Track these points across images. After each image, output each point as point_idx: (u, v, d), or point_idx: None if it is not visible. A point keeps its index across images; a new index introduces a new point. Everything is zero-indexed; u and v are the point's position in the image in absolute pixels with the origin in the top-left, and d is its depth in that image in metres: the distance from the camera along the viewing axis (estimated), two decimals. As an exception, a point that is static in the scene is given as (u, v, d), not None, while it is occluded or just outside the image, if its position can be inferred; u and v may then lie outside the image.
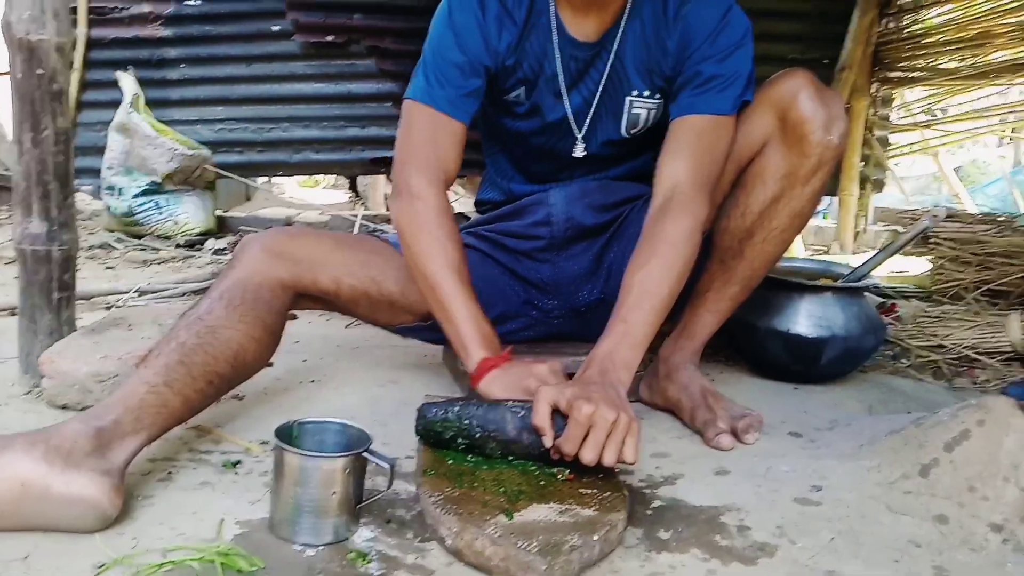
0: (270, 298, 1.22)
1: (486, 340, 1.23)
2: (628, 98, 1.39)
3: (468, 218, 1.79)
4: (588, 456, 1.00)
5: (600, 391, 1.04)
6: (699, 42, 1.31)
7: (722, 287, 1.42)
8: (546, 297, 1.52)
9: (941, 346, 1.89)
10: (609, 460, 1.00)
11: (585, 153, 1.44)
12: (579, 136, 1.44)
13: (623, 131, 1.42)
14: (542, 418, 1.03)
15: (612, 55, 1.35)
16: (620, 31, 1.34)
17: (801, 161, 1.32)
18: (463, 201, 4.40)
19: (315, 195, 7.20)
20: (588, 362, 1.13)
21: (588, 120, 1.42)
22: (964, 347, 1.87)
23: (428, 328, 1.47)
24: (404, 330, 1.49)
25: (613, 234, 1.50)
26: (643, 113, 1.40)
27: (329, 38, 3.47)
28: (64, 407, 1.32)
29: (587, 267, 1.50)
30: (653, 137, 1.42)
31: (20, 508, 0.89)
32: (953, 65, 3.49)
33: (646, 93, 1.39)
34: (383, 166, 3.64)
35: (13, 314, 1.87)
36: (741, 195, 1.39)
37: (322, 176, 8.86)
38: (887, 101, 3.88)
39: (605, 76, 1.37)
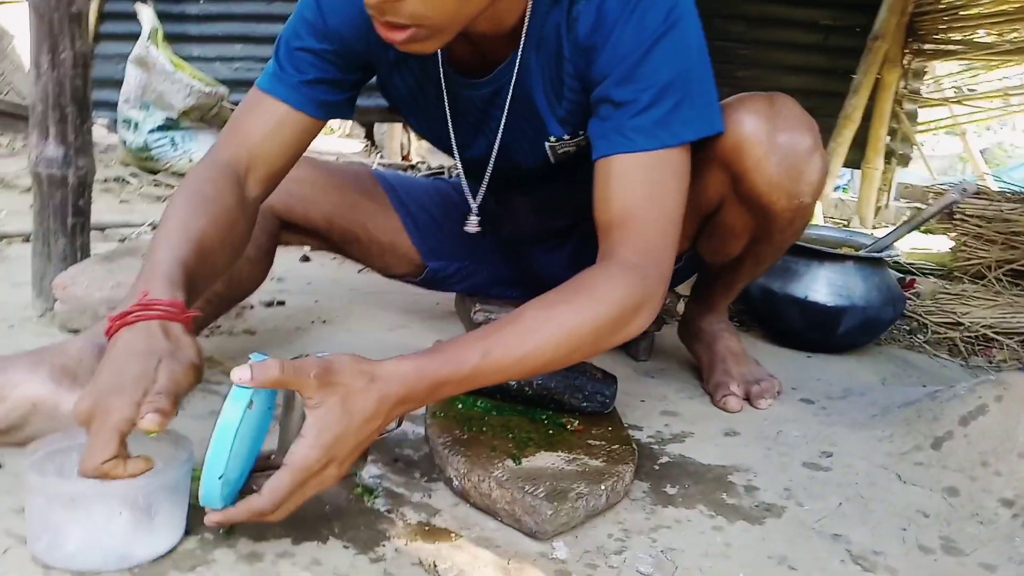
0: (260, 220, 1.14)
1: (153, 284, 0.80)
2: (547, 143, 1.11)
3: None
4: (271, 518, 0.74)
5: (361, 423, 0.75)
6: (603, 56, 0.97)
7: (729, 282, 1.36)
8: (535, 281, 1.47)
9: (959, 324, 1.87)
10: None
11: (479, 229, 1.21)
12: (474, 206, 1.21)
13: (551, 161, 1.15)
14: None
15: (511, 94, 1.07)
16: (516, 64, 1.03)
17: (771, 223, 1.17)
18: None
19: (330, 143, 7.16)
20: (405, 373, 0.78)
21: (487, 175, 1.18)
22: (982, 326, 1.84)
23: (422, 282, 1.46)
24: (403, 281, 1.48)
25: (588, 231, 1.16)
26: (570, 150, 1.12)
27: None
28: (76, 331, 1.32)
29: (567, 261, 1.35)
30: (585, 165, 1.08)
31: (30, 425, 0.89)
32: (991, 39, 3.39)
33: (566, 138, 1.10)
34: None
35: (27, 241, 1.87)
36: (718, 243, 1.26)
37: (337, 124, 8.80)
38: (919, 74, 3.79)
39: (504, 121, 1.10)
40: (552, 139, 1.10)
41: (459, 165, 1.21)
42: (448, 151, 1.21)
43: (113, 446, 0.68)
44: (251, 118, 1.04)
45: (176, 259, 0.83)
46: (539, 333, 0.84)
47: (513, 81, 1.05)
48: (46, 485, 0.72)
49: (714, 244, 1.27)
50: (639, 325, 0.92)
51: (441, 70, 1.10)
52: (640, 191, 0.95)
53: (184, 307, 0.79)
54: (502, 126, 1.10)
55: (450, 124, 1.14)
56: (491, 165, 1.16)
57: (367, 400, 0.74)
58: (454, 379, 0.80)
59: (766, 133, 1.08)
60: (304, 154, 1.10)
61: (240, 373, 0.70)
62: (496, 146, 1.13)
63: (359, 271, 2.01)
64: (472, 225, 1.21)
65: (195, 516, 0.77)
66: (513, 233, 1.39)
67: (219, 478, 0.71)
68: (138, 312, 0.76)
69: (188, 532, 0.78)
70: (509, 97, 1.07)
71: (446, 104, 1.12)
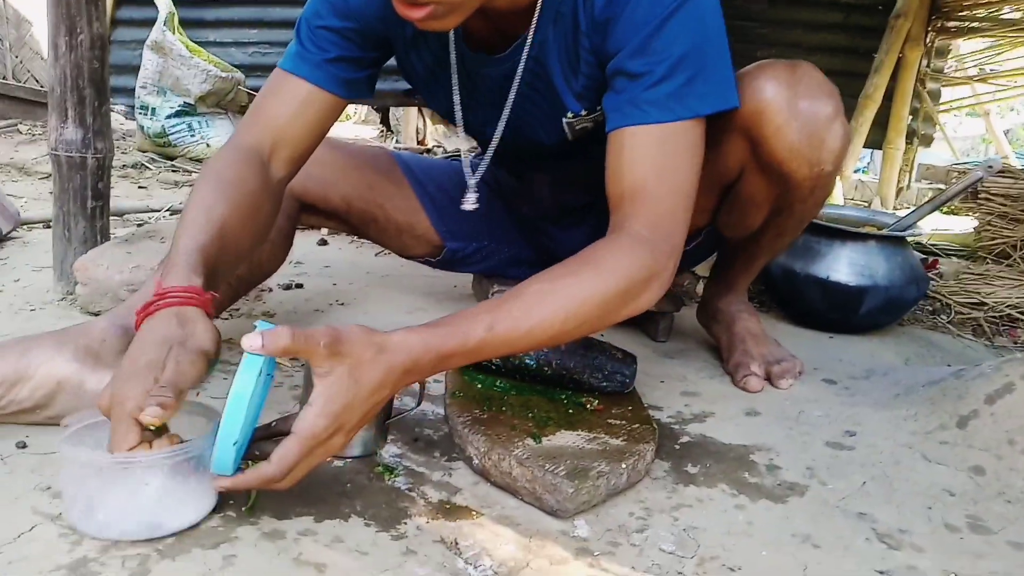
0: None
1: (173, 275, 0.82)
2: (564, 120, 1.11)
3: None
4: (280, 485, 0.74)
5: (367, 395, 0.75)
6: (618, 31, 0.96)
7: (749, 259, 1.34)
8: (553, 260, 1.46)
9: (983, 304, 1.84)
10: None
11: (476, 206, 1.20)
12: (471, 183, 1.19)
13: (568, 138, 1.14)
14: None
15: (525, 70, 1.06)
16: (529, 40, 1.03)
17: (791, 192, 1.15)
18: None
19: (346, 129, 7.17)
20: (412, 344, 0.78)
21: (491, 149, 1.17)
22: (1007, 306, 1.81)
23: (440, 263, 1.46)
24: (421, 262, 1.48)
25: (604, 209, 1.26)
26: (588, 126, 1.11)
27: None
28: (97, 314, 1.33)
29: (587, 237, 1.32)
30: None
31: (55, 403, 0.90)
32: (1017, 15, 3.32)
33: (583, 113, 1.09)
34: (416, 97, 3.59)
35: (48, 227, 1.88)
36: (738, 216, 1.24)
37: (353, 109, 8.79)
38: (942, 52, 3.72)
39: (514, 98, 1.09)
40: (570, 115, 1.09)
41: (458, 138, 1.22)
42: (465, 129, 1.20)
43: (133, 434, 0.71)
44: (274, 100, 1.04)
45: (196, 245, 0.84)
46: (545, 306, 0.83)
47: (530, 56, 1.04)
48: (77, 456, 0.73)
49: (734, 217, 1.25)
50: (648, 299, 0.91)
51: (454, 48, 1.09)
52: (652, 164, 0.93)
53: (201, 291, 0.80)
54: (511, 102, 1.10)
55: (457, 101, 1.13)
56: (495, 141, 1.15)
57: (375, 371, 0.74)
58: (460, 352, 0.80)
59: (787, 99, 1.07)
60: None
61: (251, 341, 0.70)
62: (503, 122, 1.12)
63: (376, 254, 2.01)
64: (469, 203, 1.19)
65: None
66: (531, 211, 1.38)
67: (233, 444, 0.72)
68: (156, 302, 0.78)
69: (218, 504, 0.79)
70: (523, 73, 1.06)
71: (455, 83, 1.11)
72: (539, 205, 1.36)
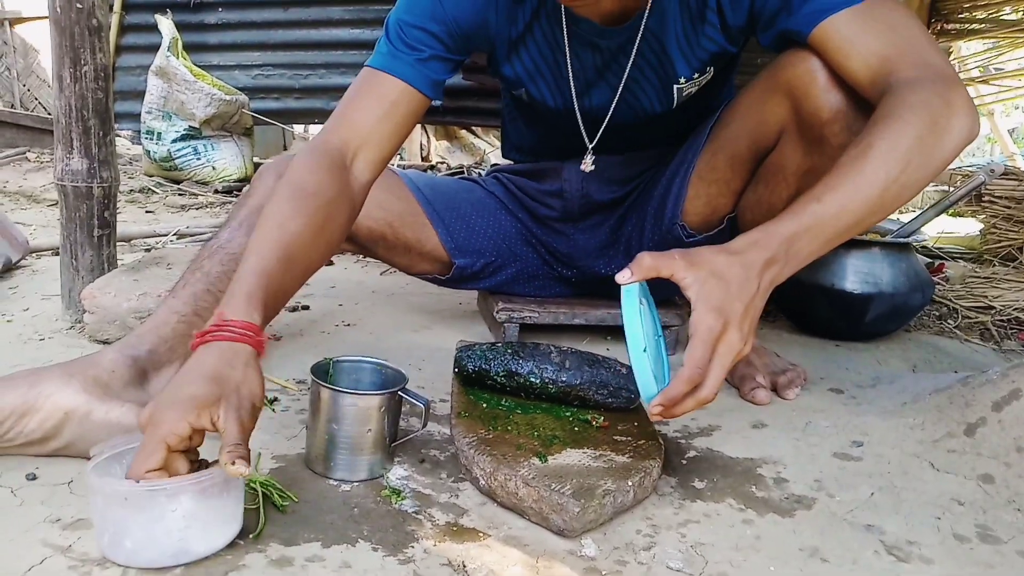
0: None
1: (232, 306, 0.83)
2: (676, 86, 1.22)
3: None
4: (705, 393, 0.81)
5: (737, 288, 0.82)
6: None
7: None
8: (563, 266, 1.49)
9: (990, 307, 1.83)
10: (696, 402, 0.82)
11: (594, 168, 1.30)
12: (590, 146, 1.30)
13: (672, 106, 1.26)
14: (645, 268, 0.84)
15: (641, 40, 1.15)
16: (647, 11, 1.12)
17: (824, 161, 1.12)
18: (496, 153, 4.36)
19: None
20: (752, 236, 0.87)
21: (604, 123, 1.26)
22: (1015, 309, 1.80)
23: (449, 280, 1.47)
24: (428, 280, 1.49)
25: (629, 207, 1.44)
26: (693, 89, 1.24)
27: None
28: (105, 342, 1.34)
29: (603, 240, 1.44)
30: (697, 100, 1.28)
31: (62, 434, 0.91)
32: (1016, 17, 3.32)
33: (695, 76, 1.21)
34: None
35: (56, 254, 1.90)
36: (763, 191, 1.23)
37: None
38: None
39: (629, 69, 1.19)
40: (682, 80, 1.20)
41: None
42: (570, 107, 1.27)
43: (157, 456, 0.72)
44: (365, 99, 1.08)
45: (263, 268, 0.86)
46: (862, 163, 0.87)
47: (647, 26, 1.13)
48: (103, 485, 0.74)
49: (759, 191, 1.23)
50: (960, 127, 0.90)
51: (567, 30, 1.17)
52: (876, 31, 0.97)
53: (259, 330, 0.83)
54: (628, 71, 1.19)
55: (571, 78, 1.22)
56: (607, 117, 1.25)
57: (733, 268, 0.82)
58: (800, 229, 0.86)
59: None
60: None
61: (623, 275, 0.83)
62: (619, 93, 1.22)
63: (382, 273, 2.02)
64: (587, 164, 1.29)
65: (250, 514, 0.78)
66: (566, 207, 1.44)
67: (643, 351, 0.82)
68: (215, 331, 0.80)
69: (244, 527, 0.80)
70: (639, 42, 1.15)
71: (570, 64, 1.20)
72: (559, 199, 1.42)
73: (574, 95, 1.24)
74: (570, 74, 1.21)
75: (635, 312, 0.83)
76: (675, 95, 1.22)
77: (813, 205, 0.86)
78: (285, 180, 0.97)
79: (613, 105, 1.24)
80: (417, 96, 1.09)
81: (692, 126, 1.33)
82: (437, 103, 1.20)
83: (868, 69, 0.97)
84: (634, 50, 1.16)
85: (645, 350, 0.82)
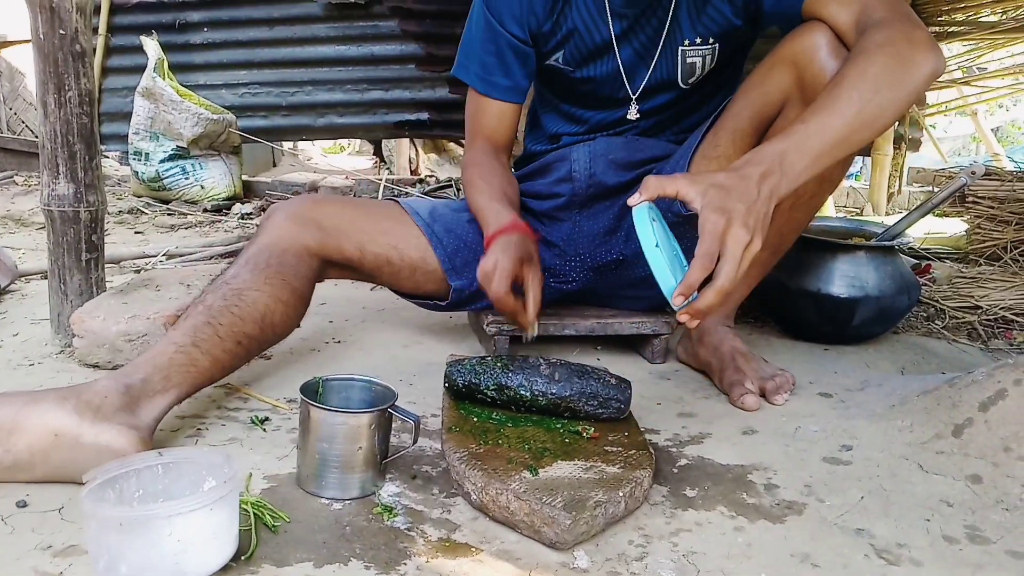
0: (296, 263, 1.24)
1: (503, 218, 1.29)
2: (681, 48, 1.35)
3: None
4: (721, 282, 0.90)
5: (738, 194, 0.92)
6: None
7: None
8: (563, 261, 1.50)
9: (977, 307, 1.85)
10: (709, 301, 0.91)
11: (639, 115, 1.44)
12: (633, 97, 1.43)
13: (680, 82, 1.39)
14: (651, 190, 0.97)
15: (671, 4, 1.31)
16: None
17: None
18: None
19: (340, 161, 7.21)
20: (746, 156, 1.00)
21: (645, 77, 1.39)
22: (1001, 308, 1.82)
23: (448, 306, 1.47)
24: (426, 306, 1.50)
25: (634, 192, 1.47)
26: (698, 61, 1.36)
27: (351, -1, 3.45)
28: (95, 366, 1.34)
29: (607, 226, 1.47)
30: (711, 86, 1.41)
31: (51, 458, 0.91)
32: (994, 18, 3.36)
33: (698, 40, 1.34)
34: (406, 129, 3.62)
35: (45, 278, 1.90)
36: None
37: (347, 142, 8.86)
38: (924, 57, 3.76)
39: (662, 29, 1.34)
40: (686, 43, 1.34)
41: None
42: (617, 78, 1.41)
43: (505, 284, 1.18)
44: (482, 118, 1.47)
45: (500, 196, 1.34)
46: (836, 89, 1.01)
47: None
48: (97, 511, 0.74)
49: None
50: (923, 59, 1.03)
51: (609, 8, 1.34)
52: None
53: (530, 229, 1.30)
54: (668, 21, 1.33)
55: (614, 39, 1.37)
56: (655, 58, 1.38)
57: (732, 179, 0.94)
58: (789, 146, 0.98)
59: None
60: (324, 187, 1.23)
61: (633, 198, 0.96)
62: (660, 49, 1.36)
63: (372, 288, 2.02)
64: (633, 112, 1.44)
65: (242, 535, 0.78)
66: (586, 183, 1.51)
67: (656, 246, 0.91)
68: (508, 228, 1.26)
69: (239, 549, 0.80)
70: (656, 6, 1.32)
71: (612, 30, 1.36)
72: (568, 184, 1.49)
73: (617, 54, 1.38)
74: (616, 49, 1.37)
75: (646, 221, 0.92)
76: (679, 58, 1.35)
77: (798, 125, 1.00)
78: (474, 168, 1.43)
79: (649, 71, 1.39)
80: (515, 107, 1.47)
81: (704, 116, 1.41)
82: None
83: (851, 15, 1.13)
84: (667, 19, 1.32)
85: (657, 246, 0.91)
